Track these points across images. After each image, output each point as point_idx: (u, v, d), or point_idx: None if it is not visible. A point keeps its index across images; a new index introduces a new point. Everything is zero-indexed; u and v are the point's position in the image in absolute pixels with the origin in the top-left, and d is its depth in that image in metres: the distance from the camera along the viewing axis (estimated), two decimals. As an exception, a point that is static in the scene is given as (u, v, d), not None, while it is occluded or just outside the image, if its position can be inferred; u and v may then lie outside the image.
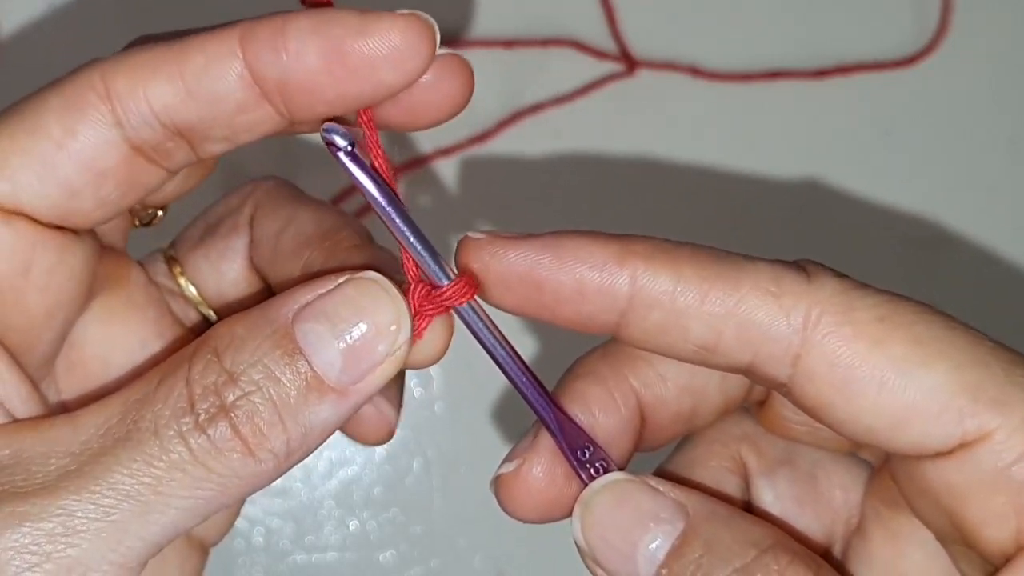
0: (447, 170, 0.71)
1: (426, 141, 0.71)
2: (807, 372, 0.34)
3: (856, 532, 0.40)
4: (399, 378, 0.39)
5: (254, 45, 0.36)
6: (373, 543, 0.69)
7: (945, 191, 0.74)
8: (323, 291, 0.36)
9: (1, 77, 0.70)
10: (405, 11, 0.36)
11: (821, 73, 0.73)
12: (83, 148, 0.37)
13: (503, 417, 0.69)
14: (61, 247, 0.38)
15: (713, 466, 0.40)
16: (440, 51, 0.37)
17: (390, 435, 0.39)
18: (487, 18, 0.72)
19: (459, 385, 0.69)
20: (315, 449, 0.36)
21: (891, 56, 0.74)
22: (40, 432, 0.36)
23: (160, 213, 0.44)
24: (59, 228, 0.38)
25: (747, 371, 0.36)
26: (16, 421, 0.37)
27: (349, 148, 0.36)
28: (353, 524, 0.69)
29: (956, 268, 0.73)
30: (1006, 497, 0.33)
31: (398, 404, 0.40)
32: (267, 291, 0.45)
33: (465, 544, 0.69)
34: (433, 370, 0.70)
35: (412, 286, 0.37)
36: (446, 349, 0.39)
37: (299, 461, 0.36)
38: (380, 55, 0.35)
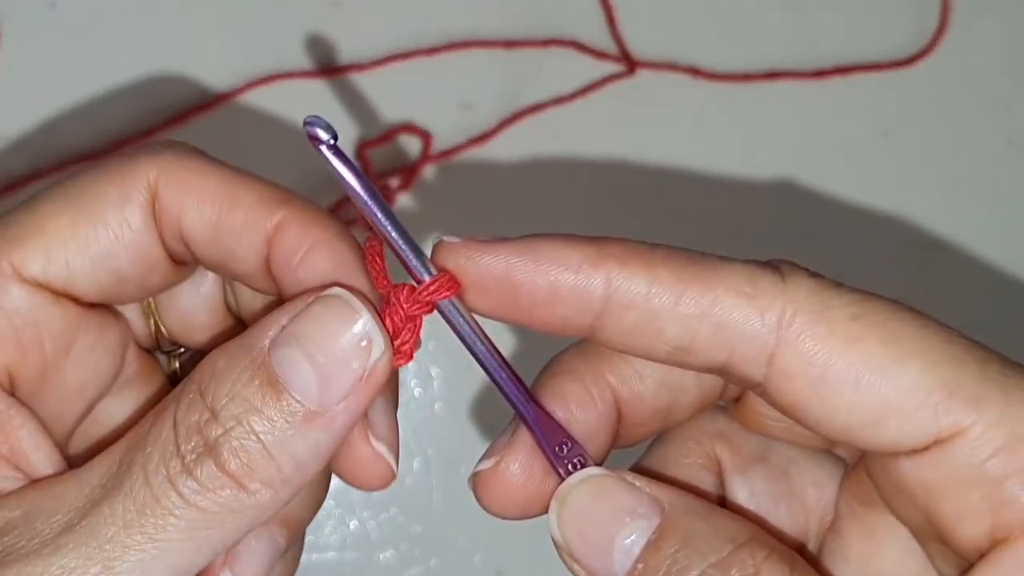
0: (447, 170, 0.71)
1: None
2: (782, 371, 0.34)
3: (831, 530, 0.40)
4: (391, 416, 0.39)
5: (282, 247, 0.38)
6: (373, 543, 0.69)
7: (944, 192, 0.74)
8: (295, 312, 0.36)
9: (1, 78, 0.70)
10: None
11: (820, 73, 0.74)
12: (138, 241, 0.39)
13: (503, 417, 0.69)
14: (100, 326, 0.41)
15: (687, 463, 0.41)
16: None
17: (391, 478, 0.39)
18: (487, 18, 0.72)
19: (459, 385, 0.69)
20: (315, 473, 0.36)
21: (890, 56, 0.74)
22: (48, 488, 0.36)
23: (183, 350, 0.45)
24: (100, 308, 0.40)
25: (722, 371, 0.36)
26: (33, 482, 0.38)
27: (332, 142, 0.36)
28: (353, 524, 0.69)
29: (955, 268, 0.73)
30: (981, 493, 0.33)
31: (395, 444, 0.40)
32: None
33: (465, 544, 0.69)
34: (433, 370, 0.70)
35: (396, 292, 0.37)
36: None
37: (302, 486, 0.36)
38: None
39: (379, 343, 0.36)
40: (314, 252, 0.38)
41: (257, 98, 0.71)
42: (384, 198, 0.38)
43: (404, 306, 0.37)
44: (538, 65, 0.72)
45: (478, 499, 0.39)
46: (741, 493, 0.41)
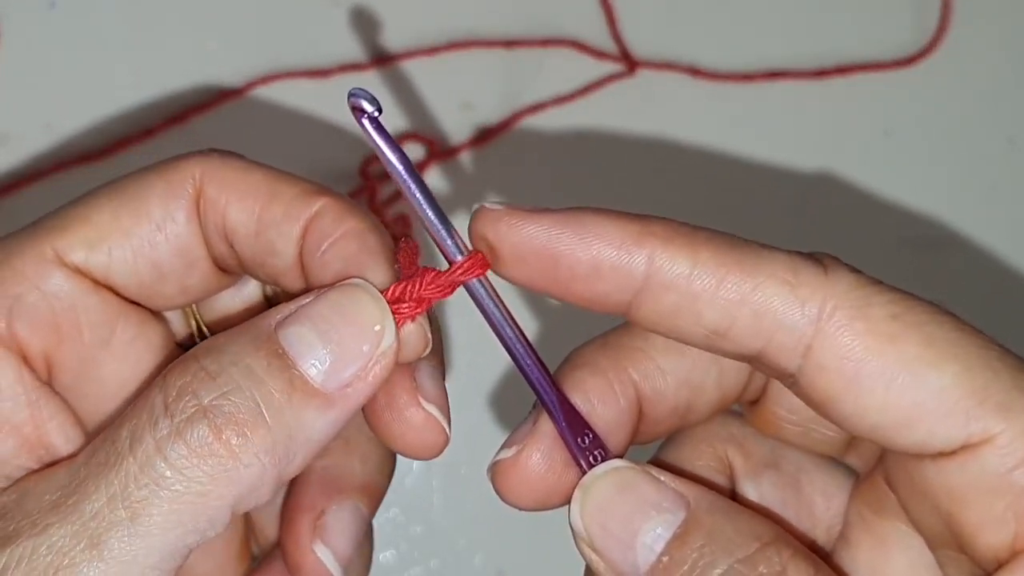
0: (447, 170, 0.71)
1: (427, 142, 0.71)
2: (817, 364, 0.34)
3: (840, 538, 0.40)
4: (439, 381, 0.39)
5: (318, 234, 0.38)
6: (373, 543, 0.69)
7: (945, 191, 0.74)
8: (306, 300, 0.36)
9: (1, 78, 0.70)
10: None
11: (821, 73, 0.73)
12: (180, 234, 0.39)
13: (503, 417, 0.69)
14: (141, 321, 0.40)
15: (700, 465, 0.41)
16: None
17: (444, 442, 0.39)
18: (487, 18, 0.72)
19: (459, 385, 0.69)
20: (305, 460, 0.35)
21: (891, 56, 0.74)
22: (44, 473, 0.36)
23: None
24: (141, 305, 0.40)
25: (755, 359, 0.36)
26: (36, 470, 0.37)
27: (376, 114, 0.35)
28: (353, 524, 0.69)
29: (956, 268, 0.73)
30: (1006, 501, 0.33)
31: (446, 408, 0.39)
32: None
33: (465, 544, 0.69)
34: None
35: (422, 273, 0.37)
36: (427, 341, 0.38)
37: (293, 472, 0.35)
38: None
39: (391, 332, 0.36)
40: (343, 240, 0.38)
41: (257, 98, 0.70)
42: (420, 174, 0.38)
43: (423, 286, 0.37)
44: (538, 65, 0.72)
45: (496, 489, 0.39)
46: (751, 498, 0.41)
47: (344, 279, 0.37)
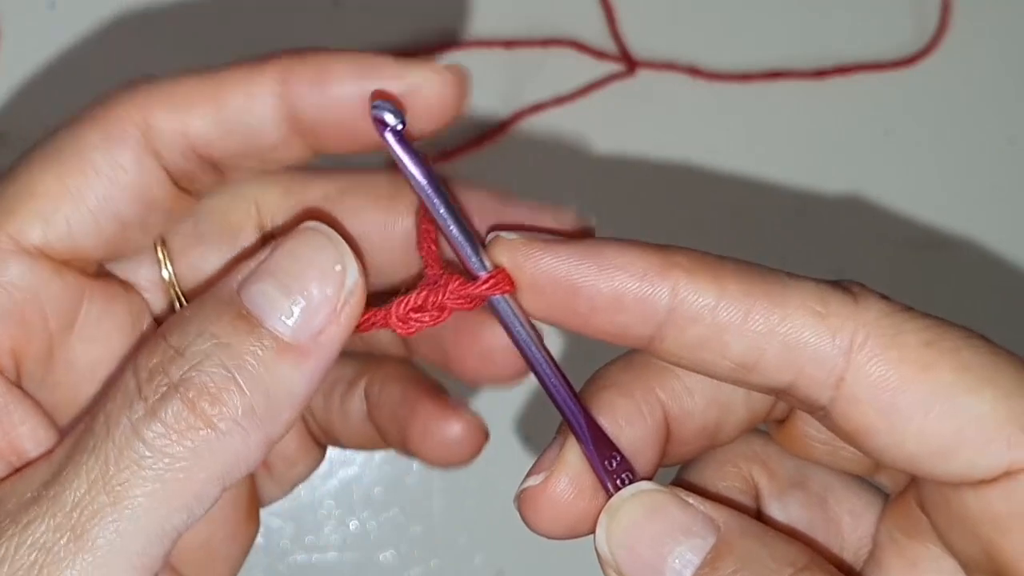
0: (447, 171, 0.71)
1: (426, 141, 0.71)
2: (850, 395, 0.33)
3: (870, 560, 0.39)
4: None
5: (294, 85, 0.36)
6: (373, 543, 0.69)
7: (945, 191, 0.74)
8: (263, 256, 0.35)
9: (1, 78, 0.70)
10: (442, 64, 0.36)
11: (821, 73, 0.73)
12: (134, 181, 0.37)
13: (503, 417, 0.69)
14: (107, 299, 0.39)
15: (725, 486, 0.39)
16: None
17: (482, 445, 0.38)
18: (487, 18, 0.72)
19: (459, 384, 0.69)
20: (290, 419, 0.34)
21: (890, 56, 0.74)
22: (23, 472, 0.35)
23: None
24: (106, 279, 0.38)
25: (784, 392, 0.35)
26: (16, 470, 0.36)
27: (399, 127, 0.35)
28: (353, 524, 0.69)
29: (956, 268, 0.73)
30: None
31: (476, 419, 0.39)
32: None
33: (465, 544, 0.69)
34: (431, 370, 0.70)
35: (446, 279, 0.36)
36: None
37: (283, 431, 0.34)
38: (415, 101, 0.36)
39: (353, 270, 0.35)
40: (337, 70, 0.36)
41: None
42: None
43: (447, 295, 0.36)
44: (538, 65, 0.72)
45: (524, 519, 0.38)
46: (778, 519, 0.40)
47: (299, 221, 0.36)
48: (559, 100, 0.72)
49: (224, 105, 0.37)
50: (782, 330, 0.33)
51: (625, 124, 0.73)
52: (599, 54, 0.73)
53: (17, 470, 0.36)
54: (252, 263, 0.35)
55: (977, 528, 0.33)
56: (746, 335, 0.33)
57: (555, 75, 0.72)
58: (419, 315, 0.36)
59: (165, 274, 0.42)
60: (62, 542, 0.32)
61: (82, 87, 0.70)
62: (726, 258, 0.35)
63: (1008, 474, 0.32)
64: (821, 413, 0.34)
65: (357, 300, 0.35)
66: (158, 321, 0.42)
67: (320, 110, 0.36)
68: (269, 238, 0.41)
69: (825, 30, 0.74)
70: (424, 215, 0.37)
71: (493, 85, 0.72)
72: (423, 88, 0.36)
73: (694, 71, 0.73)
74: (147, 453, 0.32)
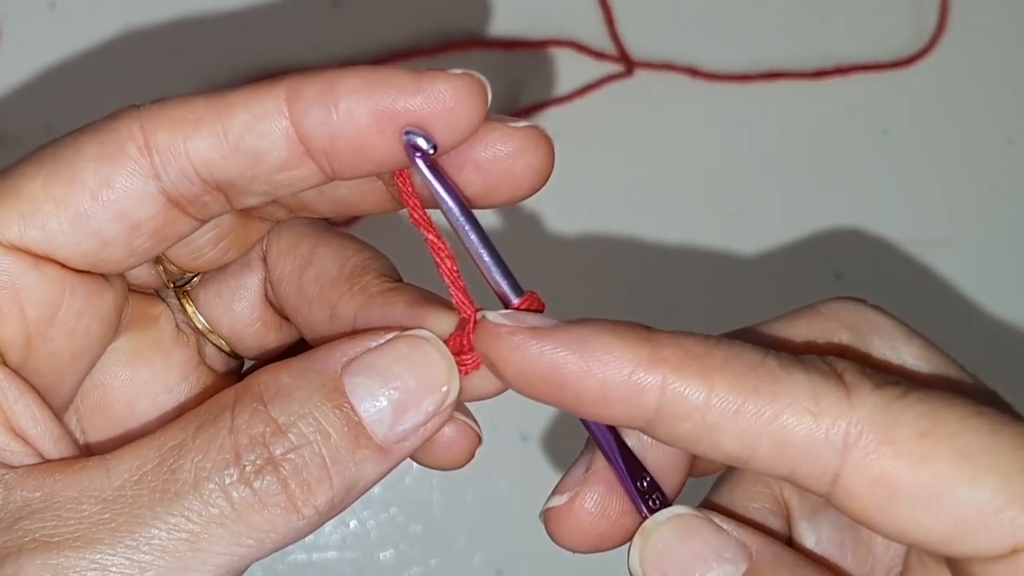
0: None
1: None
2: (847, 490, 0.33)
3: None
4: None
5: (301, 103, 0.36)
6: (373, 542, 0.69)
7: (943, 191, 0.74)
8: (372, 345, 0.35)
9: (2, 78, 0.70)
10: (458, 71, 0.36)
11: (819, 74, 0.74)
12: (119, 199, 0.36)
13: (502, 417, 0.69)
14: (89, 291, 0.38)
15: (755, 508, 0.39)
16: (519, 123, 0.37)
17: (474, 448, 0.39)
18: (486, 18, 0.72)
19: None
20: (354, 501, 0.36)
21: (889, 57, 0.74)
22: (71, 475, 0.35)
23: (196, 279, 0.43)
24: (88, 273, 0.38)
25: (783, 479, 0.35)
26: (47, 462, 0.36)
27: (431, 153, 0.35)
28: (353, 523, 0.69)
29: (954, 268, 0.74)
30: None
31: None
32: (285, 325, 0.44)
33: (465, 543, 0.69)
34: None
35: (472, 315, 0.36)
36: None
37: (333, 517, 0.35)
38: (432, 115, 0.35)
39: (455, 392, 0.36)
40: (345, 93, 0.35)
41: (257, 98, 0.71)
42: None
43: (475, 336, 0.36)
44: (537, 65, 0.73)
45: (550, 534, 0.38)
46: (809, 540, 0.40)
47: (407, 327, 0.36)
48: (558, 100, 0.72)
49: (229, 126, 0.36)
50: (773, 429, 0.33)
51: (624, 124, 0.73)
52: (598, 55, 0.73)
53: (49, 464, 0.36)
54: (357, 348, 0.35)
55: None
56: (737, 434, 0.33)
57: (554, 75, 0.72)
58: (462, 357, 0.36)
59: (176, 308, 0.42)
60: (129, 571, 0.33)
61: (82, 87, 0.70)
62: (716, 347, 0.34)
63: (1016, 551, 0.32)
64: (823, 499, 0.34)
65: (446, 417, 0.36)
66: (138, 290, 0.42)
67: (331, 128, 0.35)
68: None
69: (824, 31, 0.74)
70: (439, 254, 0.37)
71: (492, 85, 0.72)
72: (441, 99, 0.35)
73: (693, 71, 0.73)
74: (231, 515, 0.33)
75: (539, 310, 0.36)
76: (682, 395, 0.33)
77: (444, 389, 0.35)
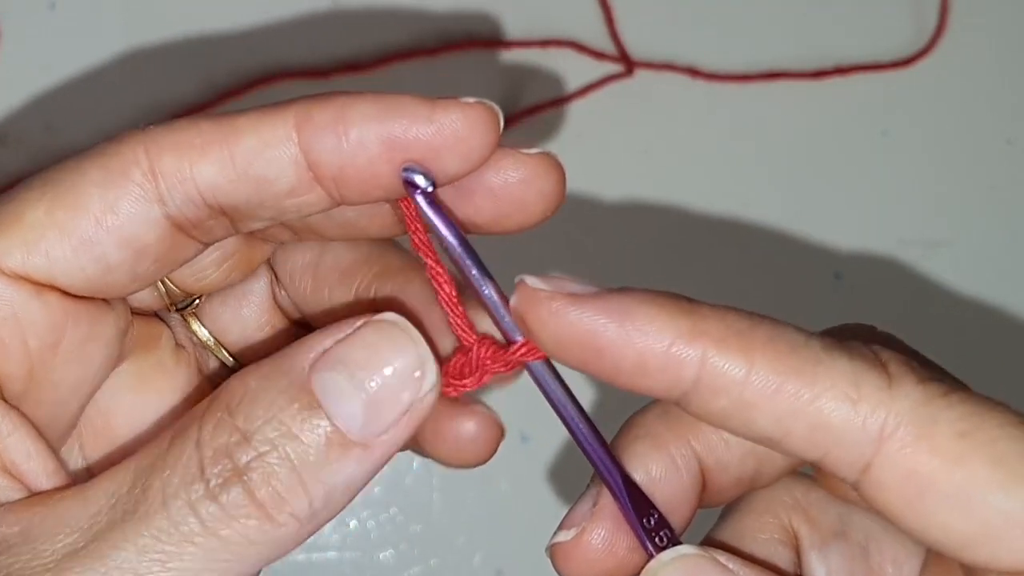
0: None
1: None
2: (877, 481, 0.32)
3: None
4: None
5: (311, 130, 0.35)
6: (373, 542, 0.69)
7: (943, 191, 0.74)
8: (341, 336, 0.34)
9: (2, 78, 0.70)
10: (471, 99, 0.35)
11: (819, 74, 0.74)
12: (123, 225, 0.36)
13: (501, 416, 0.69)
14: (93, 318, 0.38)
15: (764, 539, 0.39)
16: (531, 150, 0.36)
17: (498, 442, 0.38)
18: (486, 18, 0.72)
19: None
20: (342, 509, 0.34)
21: (889, 57, 0.74)
22: (51, 506, 0.34)
23: (198, 301, 0.42)
24: (91, 299, 0.37)
25: (813, 464, 0.34)
26: (34, 495, 0.35)
27: (430, 190, 0.34)
28: (353, 523, 0.69)
29: (954, 268, 0.74)
30: None
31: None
32: (293, 329, 0.44)
33: (465, 543, 0.69)
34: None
35: (477, 343, 0.36)
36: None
37: (327, 521, 0.34)
38: (444, 144, 0.35)
39: (432, 375, 0.34)
40: (357, 118, 0.35)
41: (257, 98, 0.71)
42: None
43: (486, 361, 0.36)
44: (537, 65, 0.73)
45: (557, 569, 0.38)
46: (819, 571, 0.39)
47: (376, 312, 0.35)
48: (558, 101, 0.72)
49: (236, 151, 0.35)
50: (810, 411, 0.32)
51: (624, 124, 0.73)
52: (598, 55, 0.73)
53: (33, 497, 0.35)
54: (328, 339, 0.34)
55: None
56: (773, 413, 0.32)
57: (554, 75, 0.72)
58: (460, 381, 0.36)
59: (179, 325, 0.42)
60: None
61: (82, 87, 0.70)
62: (759, 324, 0.33)
63: None
64: (851, 486, 0.34)
65: (430, 402, 0.34)
66: (141, 312, 0.41)
67: (341, 156, 0.35)
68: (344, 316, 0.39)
69: (823, 31, 0.75)
70: (438, 279, 0.37)
71: (493, 85, 0.72)
72: (453, 128, 0.35)
73: (693, 71, 0.73)
74: (200, 532, 0.32)
75: (544, 354, 0.35)
76: (722, 370, 0.32)
77: (416, 375, 0.34)
